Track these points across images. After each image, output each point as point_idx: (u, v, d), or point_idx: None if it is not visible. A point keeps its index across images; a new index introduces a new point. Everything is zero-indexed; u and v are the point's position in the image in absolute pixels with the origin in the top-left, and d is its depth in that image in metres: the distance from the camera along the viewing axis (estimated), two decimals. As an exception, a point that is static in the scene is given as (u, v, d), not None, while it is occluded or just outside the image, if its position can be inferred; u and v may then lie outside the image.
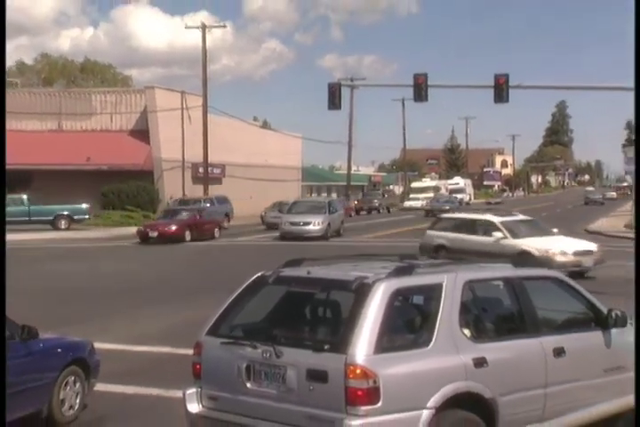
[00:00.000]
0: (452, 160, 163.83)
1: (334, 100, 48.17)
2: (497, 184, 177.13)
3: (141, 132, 66.40)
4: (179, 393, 12.41)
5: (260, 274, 9.61)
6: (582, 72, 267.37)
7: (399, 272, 8.82)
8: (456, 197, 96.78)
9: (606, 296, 10.97)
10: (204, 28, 71.16)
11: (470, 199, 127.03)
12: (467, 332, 8.80)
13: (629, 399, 8.33)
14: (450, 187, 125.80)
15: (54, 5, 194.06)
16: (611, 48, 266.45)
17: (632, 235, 49.44)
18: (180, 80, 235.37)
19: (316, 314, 9.44)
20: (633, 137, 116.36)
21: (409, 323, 9.03)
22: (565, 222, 66.34)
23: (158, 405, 12.40)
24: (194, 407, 9.19)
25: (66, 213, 55.89)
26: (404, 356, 8.27)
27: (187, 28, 74.05)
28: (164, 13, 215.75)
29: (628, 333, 9.97)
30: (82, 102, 69.54)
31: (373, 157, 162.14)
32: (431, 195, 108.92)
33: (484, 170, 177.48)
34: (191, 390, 9.25)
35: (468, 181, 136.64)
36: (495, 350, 8.81)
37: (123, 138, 66.50)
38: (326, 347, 8.22)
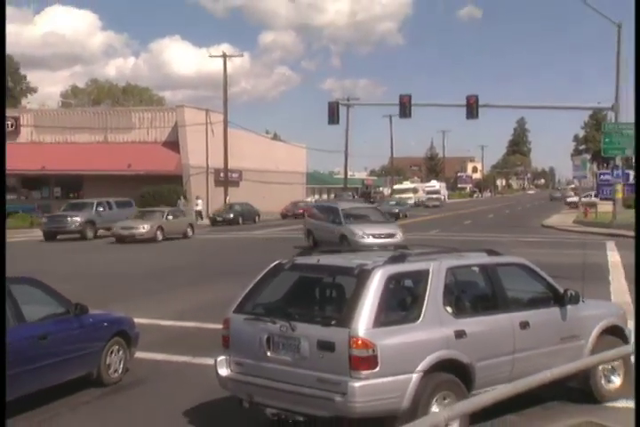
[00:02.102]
0: (432, 166, 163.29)
1: (333, 116, 48.14)
2: (469, 187, 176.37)
3: (172, 144, 66.11)
4: (203, 360, 12.66)
5: (277, 262, 9.77)
6: (539, 93, 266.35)
7: (393, 260, 9.05)
8: (407, 202, 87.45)
9: (558, 279, 11.05)
10: (225, 57, 70.88)
11: (445, 199, 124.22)
12: (449, 309, 9.00)
13: (582, 362, 8.47)
14: (427, 189, 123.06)
15: (104, 40, 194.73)
16: (563, 73, 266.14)
17: (578, 228, 49.63)
18: (205, 100, 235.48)
19: (324, 295, 9.68)
20: (579, 148, 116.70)
21: (401, 302, 9.20)
22: (525, 219, 65.97)
23: (186, 369, 12.44)
24: (223, 372, 9.36)
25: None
26: (397, 329, 8.50)
27: (210, 56, 73.90)
28: (193, 45, 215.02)
29: (581, 308, 10.24)
30: (124, 119, 69.34)
31: (366, 164, 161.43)
32: (411, 195, 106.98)
33: (458, 175, 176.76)
34: (221, 358, 9.41)
35: (443, 184, 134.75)
36: (472, 324, 9.02)
37: (157, 148, 66.29)
38: (333, 322, 8.43)
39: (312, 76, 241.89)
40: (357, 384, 7.98)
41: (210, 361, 12.32)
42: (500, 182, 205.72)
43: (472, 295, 9.93)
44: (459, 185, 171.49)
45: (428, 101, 56.42)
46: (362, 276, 8.64)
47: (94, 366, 11.21)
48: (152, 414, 10.20)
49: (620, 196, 49.40)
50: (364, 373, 8.04)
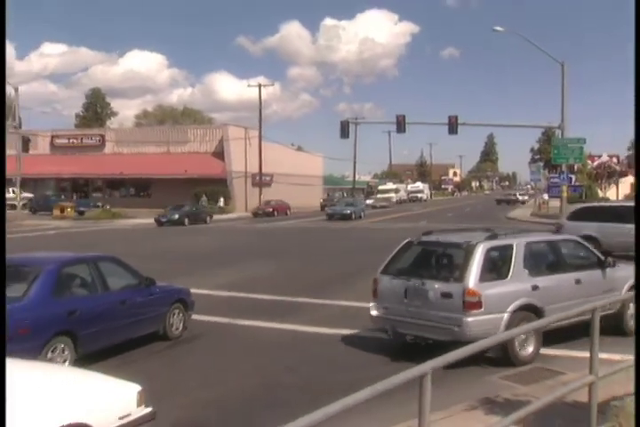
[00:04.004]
0: (422, 171, 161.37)
1: (344, 132, 47.90)
2: (450, 187, 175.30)
3: (219, 154, 66.11)
4: (241, 321, 12.79)
5: (408, 240, 11.05)
6: (504, 114, 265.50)
7: (489, 238, 10.30)
8: (363, 202, 70.90)
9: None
10: (260, 86, 70.52)
11: (427, 198, 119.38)
12: (527, 270, 10.12)
13: (617, 298, 10.28)
14: (411, 189, 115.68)
15: (169, 75, 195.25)
16: (522, 99, 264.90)
17: (535, 220, 49.65)
18: (245, 120, 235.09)
19: (441, 262, 10.65)
20: (535, 157, 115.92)
21: (496, 266, 10.15)
22: (493, 211, 66.22)
23: (229, 327, 12.48)
24: (374, 313, 10.66)
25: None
26: (494, 284, 9.72)
27: (249, 86, 73.71)
28: (236, 78, 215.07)
29: (616, 270, 11.34)
30: (182, 135, 69.45)
31: (370, 169, 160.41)
32: (393, 195, 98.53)
33: (442, 178, 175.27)
34: (372, 304, 10.70)
35: (426, 185, 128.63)
36: (543, 281, 10.09)
37: (207, 157, 66.32)
38: (451, 279, 9.76)
39: (328, 100, 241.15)
40: (469, 319, 9.33)
41: (245, 322, 12.69)
42: (475, 184, 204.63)
43: (542, 261, 10.86)
44: (442, 186, 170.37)
45: (419, 120, 56.28)
46: (469, 249, 9.88)
47: (161, 325, 11.29)
48: (205, 359, 10.30)
49: (565, 194, 49.67)
50: (473, 312, 9.36)
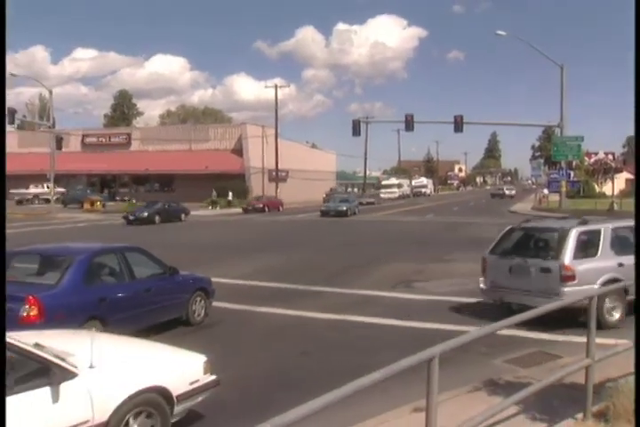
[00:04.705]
0: (429, 167, 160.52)
1: (356, 130, 48.07)
2: (455, 182, 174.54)
3: (238, 151, 66.19)
4: (259, 308, 12.80)
5: (510, 226, 12.45)
6: (507, 114, 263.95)
7: (580, 224, 11.41)
8: (353, 199, 57.47)
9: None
10: (276, 87, 70.48)
11: (431, 193, 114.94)
12: (613, 250, 11.15)
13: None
14: (415, 184, 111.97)
15: (191, 77, 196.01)
16: (524, 99, 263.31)
17: (535, 213, 49.36)
18: (262, 119, 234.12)
19: (540, 243, 11.86)
20: (536, 154, 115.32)
21: (587, 247, 11.17)
22: (495, 205, 65.84)
23: (248, 314, 12.48)
24: (483, 286, 11.97)
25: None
26: (585, 261, 10.89)
27: (266, 87, 74.14)
28: (254, 79, 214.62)
29: None
30: (203, 133, 69.51)
31: (380, 165, 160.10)
32: (395, 190, 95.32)
33: (448, 173, 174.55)
34: (481, 279, 12.01)
35: (430, 180, 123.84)
36: (626, 259, 10.43)
37: (227, 154, 66.38)
38: (549, 257, 11.03)
39: (340, 101, 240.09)
40: (565, 289, 10.48)
41: (264, 309, 12.67)
42: (479, 179, 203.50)
43: (626, 243, 11.18)
44: (448, 181, 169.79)
45: (426, 119, 55.89)
46: (564, 232, 11.08)
47: (183, 311, 11.32)
48: (226, 343, 10.30)
49: (564, 189, 49.54)
50: (569, 283, 10.55)
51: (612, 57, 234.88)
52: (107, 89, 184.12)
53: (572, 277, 10.58)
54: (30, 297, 8.43)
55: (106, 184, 71.50)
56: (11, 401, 4.46)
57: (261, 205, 54.58)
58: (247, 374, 8.59)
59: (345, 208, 48.75)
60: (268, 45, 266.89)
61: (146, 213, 40.55)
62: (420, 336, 9.97)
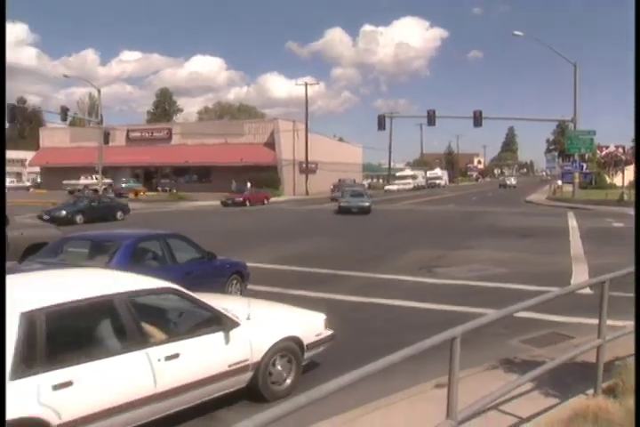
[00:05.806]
0: (449, 160, 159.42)
1: (381, 125, 47.85)
2: (475, 174, 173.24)
3: (270, 144, 66.14)
4: (291, 291, 12.74)
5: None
6: (523, 109, 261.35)
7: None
8: (367, 191, 49.74)
9: (540, 236, 11.02)
10: (306, 85, 70.66)
11: (446, 184, 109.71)
12: None
13: None
14: (429, 175, 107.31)
15: (227, 76, 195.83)
16: (540, 95, 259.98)
17: (550, 203, 48.94)
18: (293, 114, 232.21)
19: None
20: (550, 147, 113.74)
21: None
22: (512, 196, 65.42)
23: (279, 296, 12.08)
24: None
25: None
26: None
27: (297, 85, 75.02)
28: (286, 78, 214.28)
29: None
30: (238, 128, 69.51)
31: (404, 158, 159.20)
32: (410, 181, 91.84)
33: (467, 166, 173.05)
34: None
35: (445, 172, 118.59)
36: None
37: (260, 147, 66.36)
38: None
39: (366, 97, 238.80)
40: None
41: (294, 292, 12.59)
42: (497, 171, 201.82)
43: None
44: (468, 173, 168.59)
45: (447, 114, 55.77)
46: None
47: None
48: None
49: (577, 180, 49.19)
50: None
51: (621, 55, 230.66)
52: (149, 88, 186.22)
53: None
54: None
55: (149, 176, 72.11)
56: (195, 342, 5.85)
57: (241, 199, 47.54)
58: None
59: (368, 204, 39.79)
60: (298, 46, 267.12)
61: (64, 212, 30.77)
62: (442, 318, 9.93)
